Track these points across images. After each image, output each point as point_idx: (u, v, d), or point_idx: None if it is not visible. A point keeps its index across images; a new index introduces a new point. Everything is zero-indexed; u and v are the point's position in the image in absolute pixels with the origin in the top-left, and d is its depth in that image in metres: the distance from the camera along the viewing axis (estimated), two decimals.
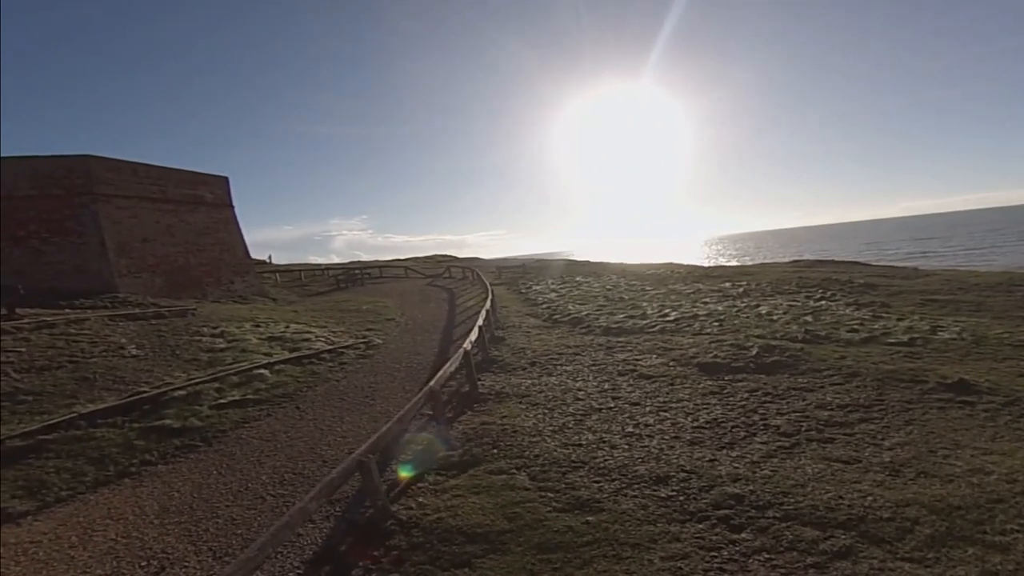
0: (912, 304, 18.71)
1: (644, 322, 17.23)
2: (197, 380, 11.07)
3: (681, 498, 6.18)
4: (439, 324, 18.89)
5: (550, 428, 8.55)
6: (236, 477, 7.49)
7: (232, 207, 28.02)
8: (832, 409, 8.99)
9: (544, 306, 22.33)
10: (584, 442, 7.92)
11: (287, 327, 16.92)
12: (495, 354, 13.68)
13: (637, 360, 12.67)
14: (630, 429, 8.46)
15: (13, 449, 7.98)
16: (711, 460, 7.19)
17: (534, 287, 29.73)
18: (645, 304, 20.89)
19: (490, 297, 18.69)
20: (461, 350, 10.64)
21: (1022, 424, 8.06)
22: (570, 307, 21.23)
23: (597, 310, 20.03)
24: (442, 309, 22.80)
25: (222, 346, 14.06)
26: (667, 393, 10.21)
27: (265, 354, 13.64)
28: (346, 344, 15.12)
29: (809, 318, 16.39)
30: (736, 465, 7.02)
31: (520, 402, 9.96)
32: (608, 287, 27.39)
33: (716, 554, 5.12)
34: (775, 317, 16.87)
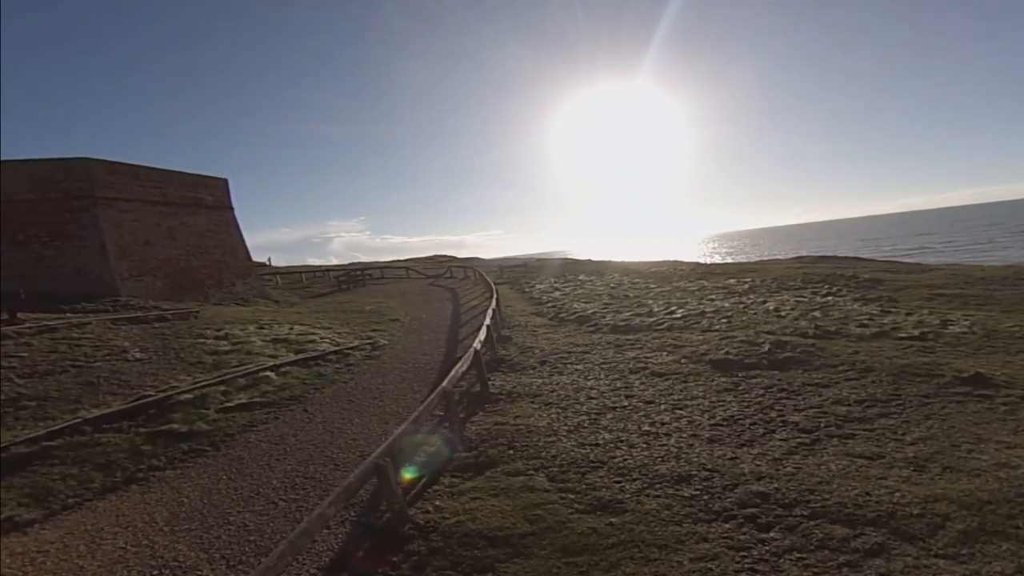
0: (919, 299, 18.57)
1: (652, 320, 17.09)
2: (203, 383, 10.91)
3: (705, 497, 6.03)
4: (444, 324, 18.74)
5: (565, 428, 8.40)
6: (247, 482, 7.32)
7: (232, 209, 27.86)
8: (849, 404, 8.85)
9: (549, 305, 22.19)
10: (601, 441, 7.78)
11: (291, 329, 16.77)
12: (503, 353, 13.53)
13: (648, 358, 12.53)
14: (647, 428, 8.32)
15: (17, 456, 7.80)
16: (732, 458, 7.04)
17: (537, 286, 29.60)
18: (651, 302, 20.75)
19: (495, 296, 18.53)
20: (471, 350, 10.49)
21: None
22: (575, 305, 21.09)
23: (603, 308, 19.89)
24: (446, 309, 22.65)
25: (226, 348, 13.90)
26: (681, 391, 10.06)
27: (270, 356, 13.48)
28: (352, 345, 14.97)
29: (818, 313, 16.26)
30: (758, 463, 6.88)
31: (532, 402, 9.82)
32: (612, 285, 27.26)
33: (746, 554, 4.97)
34: (783, 313, 16.73)
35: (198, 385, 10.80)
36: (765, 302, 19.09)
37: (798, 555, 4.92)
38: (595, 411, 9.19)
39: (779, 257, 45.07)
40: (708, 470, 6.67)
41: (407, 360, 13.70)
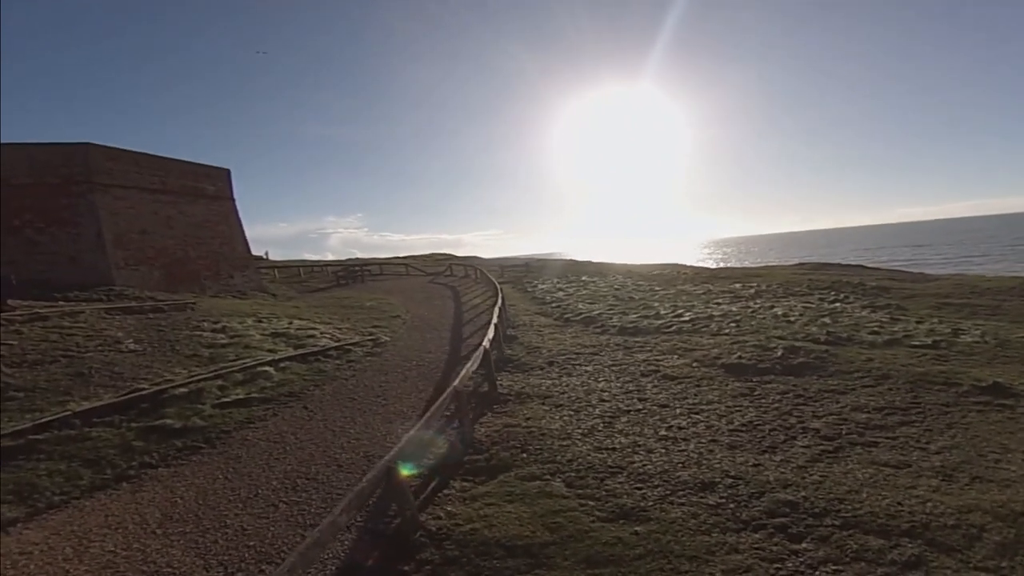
0: (928, 307, 18.35)
1: (659, 322, 16.78)
2: (199, 377, 10.52)
3: (732, 506, 5.71)
4: (446, 322, 18.38)
5: (579, 431, 8.07)
6: (244, 482, 6.93)
7: (233, 200, 27.35)
8: (869, 412, 8.59)
9: (553, 305, 21.88)
10: (617, 446, 7.45)
11: (290, 323, 16.39)
12: (509, 353, 13.20)
13: (659, 360, 12.23)
14: (663, 432, 8.00)
15: (1, 450, 7.40)
16: (755, 465, 6.74)
17: (540, 286, 29.30)
18: (657, 304, 20.45)
19: (500, 295, 18.19)
20: (481, 348, 10.15)
21: None
22: (580, 306, 20.78)
23: (609, 309, 19.59)
24: (448, 307, 22.29)
25: (224, 342, 13.50)
26: (695, 395, 9.76)
27: (269, 351, 13.10)
28: (353, 341, 14.60)
29: (827, 320, 15.98)
30: (782, 470, 6.58)
31: (543, 403, 9.48)
32: (616, 287, 26.97)
33: (780, 566, 4.66)
34: (792, 319, 16.43)
35: (194, 379, 10.42)
36: (773, 307, 18.80)
37: (834, 567, 4.63)
38: (609, 414, 8.87)
39: (780, 263, 44.84)
40: (732, 477, 6.36)
41: (410, 358, 13.34)
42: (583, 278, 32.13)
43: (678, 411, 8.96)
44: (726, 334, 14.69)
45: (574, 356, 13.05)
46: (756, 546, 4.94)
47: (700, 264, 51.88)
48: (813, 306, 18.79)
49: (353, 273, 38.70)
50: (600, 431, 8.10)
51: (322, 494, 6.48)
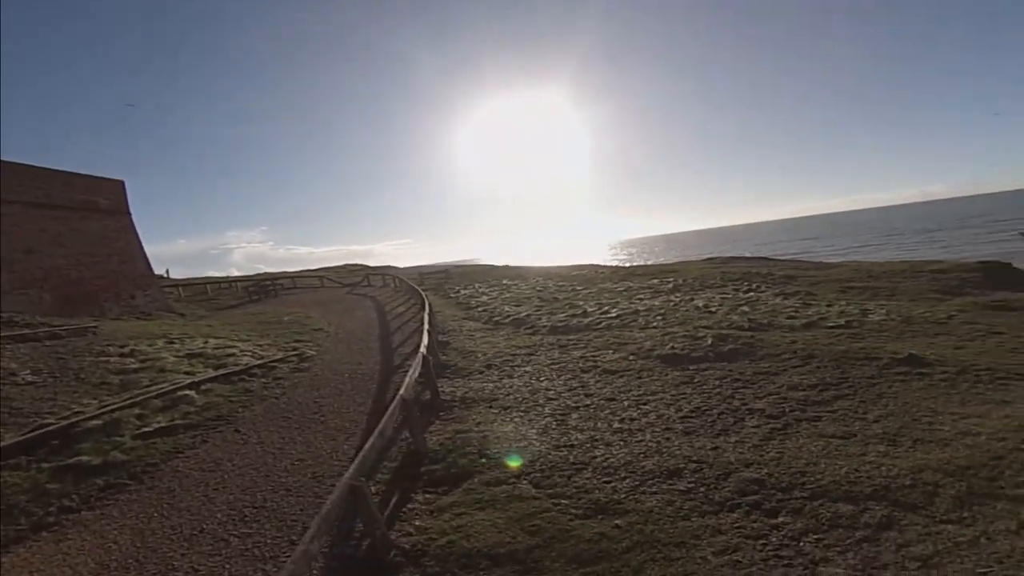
0: (834, 292, 19.73)
1: (588, 320, 17.03)
2: (112, 406, 9.54)
3: (702, 489, 5.80)
4: (373, 332, 17.78)
5: (534, 431, 7.97)
6: (185, 518, 6.28)
7: (129, 214, 25.13)
8: (805, 390, 9.03)
9: (480, 309, 21.74)
10: (575, 442, 7.41)
11: (206, 342, 15.29)
12: (445, 359, 12.93)
13: (596, 356, 12.37)
14: (617, 425, 8.05)
15: None
16: (714, 448, 6.90)
17: (462, 291, 29.11)
18: (582, 303, 20.77)
19: (427, 302, 17.85)
20: (419, 355, 9.85)
21: (980, 389, 8.45)
22: (507, 309, 20.77)
23: (536, 310, 19.69)
24: (371, 317, 21.62)
25: (135, 367, 12.37)
26: (639, 387, 9.92)
27: (187, 373, 12.14)
28: (277, 358, 13.80)
29: (746, 308, 16.81)
30: (740, 451, 6.78)
31: (490, 407, 9.32)
32: (538, 288, 27.21)
33: (765, 541, 4.77)
34: (713, 309, 17.16)
35: (107, 409, 9.44)
36: (693, 299, 19.57)
37: (816, 536, 4.78)
38: (559, 412, 8.83)
39: (691, 259, 46.87)
40: (695, 462, 6.47)
41: (341, 371, 12.77)
42: (504, 282, 32.21)
43: (626, 403, 9.06)
44: (655, 327, 15.10)
45: (511, 358, 12.98)
46: (737, 525, 5.03)
47: (621, 263, 53.38)
48: (730, 296, 19.72)
49: (265, 288, 37.06)
50: (555, 429, 8.04)
51: (275, 523, 5.97)
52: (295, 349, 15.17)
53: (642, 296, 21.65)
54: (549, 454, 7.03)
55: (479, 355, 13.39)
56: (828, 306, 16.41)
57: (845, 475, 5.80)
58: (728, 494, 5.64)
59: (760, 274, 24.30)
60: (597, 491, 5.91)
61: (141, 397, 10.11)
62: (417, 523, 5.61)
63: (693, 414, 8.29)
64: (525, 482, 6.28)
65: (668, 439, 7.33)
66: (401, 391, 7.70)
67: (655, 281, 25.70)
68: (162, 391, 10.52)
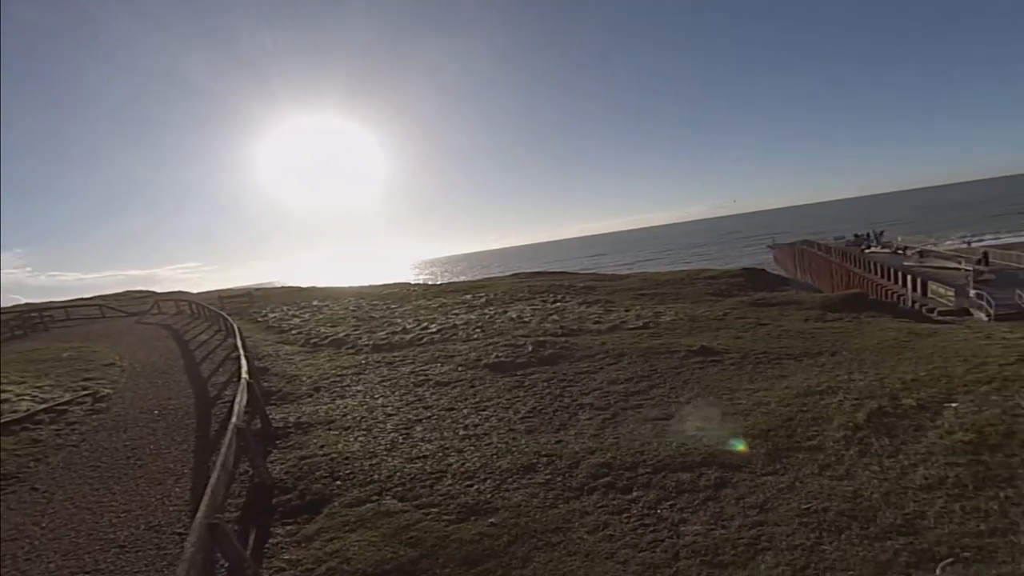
0: (628, 298, 22.02)
1: (409, 336, 16.93)
2: None
3: (559, 479, 6.15)
4: (177, 364, 15.73)
5: (382, 447, 7.75)
6: None
7: None
8: (622, 383, 9.98)
9: (294, 332, 20.41)
10: (427, 453, 7.37)
11: None
12: (267, 385, 11.94)
13: (425, 370, 12.38)
14: (463, 432, 8.17)
15: None
16: (558, 442, 7.32)
17: (271, 315, 27.06)
18: (400, 320, 20.58)
19: (236, 327, 16.32)
20: (242, 381, 8.99)
21: (761, 370, 10.12)
22: (323, 330, 19.79)
23: (354, 330, 19.07)
24: (172, 347, 19.11)
25: None
26: (474, 395, 10.14)
27: None
28: (64, 400, 11.59)
29: (556, 317, 18.03)
30: (582, 441, 7.28)
31: (329, 429, 8.83)
32: (352, 308, 26.35)
33: (628, 514, 5.22)
34: (527, 319, 18.12)
35: None
36: (506, 312, 20.46)
37: (669, 503, 5.35)
38: (402, 426, 8.70)
39: (496, 275, 48.89)
40: (545, 456, 6.82)
41: (149, 408, 11.12)
42: (314, 303, 30.66)
43: (466, 411, 9.22)
44: (476, 339, 15.51)
45: (338, 379, 12.44)
46: (599, 505, 5.43)
47: (421, 281, 53.61)
48: (540, 307, 20.99)
49: (31, 321, 31.08)
50: (402, 443, 7.91)
51: None
52: (85, 388, 12.90)
53: (458, 311, 22.07)
54: (404, 467, 6.90)
55: (304, 378, 12.60)
56: (626, 311, 18.28)
57: (676, 449, 6.55)
58: (583, 480, 6.05)
59: (563, 286, 26.25)
60: (463, 495, 5.95)
61: None
62: (286, 556, 5.14)
63: (531, 414, 8.71)
64: (388, 497, 6.09)
65: (514, 439, 7.61)
66: (233, 419, 6.97)
67: (468, 296, 26.37)
68: None
